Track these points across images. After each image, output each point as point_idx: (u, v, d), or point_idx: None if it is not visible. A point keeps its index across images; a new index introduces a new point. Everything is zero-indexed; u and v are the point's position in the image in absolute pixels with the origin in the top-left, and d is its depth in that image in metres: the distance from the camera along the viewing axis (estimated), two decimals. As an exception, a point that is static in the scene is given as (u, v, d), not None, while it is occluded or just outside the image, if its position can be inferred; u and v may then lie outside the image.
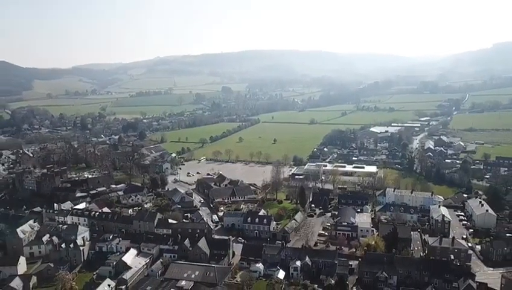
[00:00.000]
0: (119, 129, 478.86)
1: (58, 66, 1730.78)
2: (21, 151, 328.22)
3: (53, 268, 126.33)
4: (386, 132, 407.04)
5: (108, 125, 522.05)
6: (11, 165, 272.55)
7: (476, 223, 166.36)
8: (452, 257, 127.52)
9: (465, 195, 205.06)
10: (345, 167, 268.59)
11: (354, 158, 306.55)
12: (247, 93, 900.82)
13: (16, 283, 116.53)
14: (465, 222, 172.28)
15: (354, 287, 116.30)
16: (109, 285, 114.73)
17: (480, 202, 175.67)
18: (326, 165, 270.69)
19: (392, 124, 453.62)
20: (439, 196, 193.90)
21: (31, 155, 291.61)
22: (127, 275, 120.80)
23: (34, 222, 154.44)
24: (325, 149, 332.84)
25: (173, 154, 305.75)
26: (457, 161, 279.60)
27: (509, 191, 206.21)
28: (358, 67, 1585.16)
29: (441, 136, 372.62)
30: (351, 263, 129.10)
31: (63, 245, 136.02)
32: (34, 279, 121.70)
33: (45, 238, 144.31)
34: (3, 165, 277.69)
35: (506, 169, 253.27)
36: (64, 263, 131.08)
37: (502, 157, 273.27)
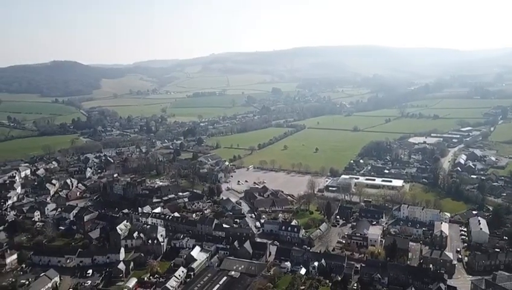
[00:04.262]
0: (179, 133, 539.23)
1: (120, 62, 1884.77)
2: (103, 155, 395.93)
3: (143, 257, 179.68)
4: (424, 142, 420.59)
5: (169, 128, 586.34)
6: (99, 171, 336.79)
7: (472, 238, 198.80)
8: (431, 265, 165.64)
9: (474, 212, 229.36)
10: (374, 180, 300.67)
11: (385, 171, 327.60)
12: (296, 95, 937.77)
13: (121, 266, 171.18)
14: (464, 237, 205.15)
15: (355, 284, 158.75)
16: (183, 271, 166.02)
17: (479, 219, 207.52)
18: (358, 178, 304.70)
19: (432, 135, 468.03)
20: (447, 213, 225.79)
21: (112, 161, 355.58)
22: (194, 265, 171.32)
23: (127, 222, 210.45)
24: (361, 161, 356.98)
25: (226, 163, 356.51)
26: (482, 177, 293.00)
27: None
28: (413, 64, 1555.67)
29: (475, 150, 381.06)
30: (357, 266, 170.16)
31: (149, 241, 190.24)
32: (131, 264, 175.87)
33: (135, 234, 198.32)
34: (90, 168, 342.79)
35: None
36: (150, 254, 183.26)
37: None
